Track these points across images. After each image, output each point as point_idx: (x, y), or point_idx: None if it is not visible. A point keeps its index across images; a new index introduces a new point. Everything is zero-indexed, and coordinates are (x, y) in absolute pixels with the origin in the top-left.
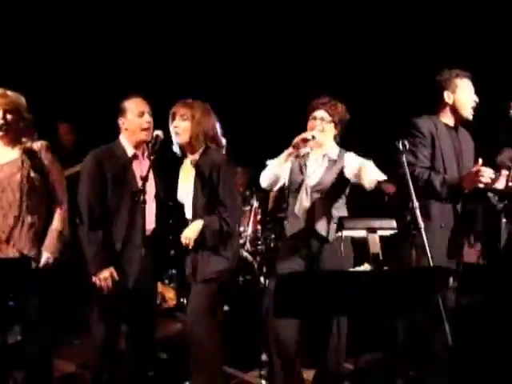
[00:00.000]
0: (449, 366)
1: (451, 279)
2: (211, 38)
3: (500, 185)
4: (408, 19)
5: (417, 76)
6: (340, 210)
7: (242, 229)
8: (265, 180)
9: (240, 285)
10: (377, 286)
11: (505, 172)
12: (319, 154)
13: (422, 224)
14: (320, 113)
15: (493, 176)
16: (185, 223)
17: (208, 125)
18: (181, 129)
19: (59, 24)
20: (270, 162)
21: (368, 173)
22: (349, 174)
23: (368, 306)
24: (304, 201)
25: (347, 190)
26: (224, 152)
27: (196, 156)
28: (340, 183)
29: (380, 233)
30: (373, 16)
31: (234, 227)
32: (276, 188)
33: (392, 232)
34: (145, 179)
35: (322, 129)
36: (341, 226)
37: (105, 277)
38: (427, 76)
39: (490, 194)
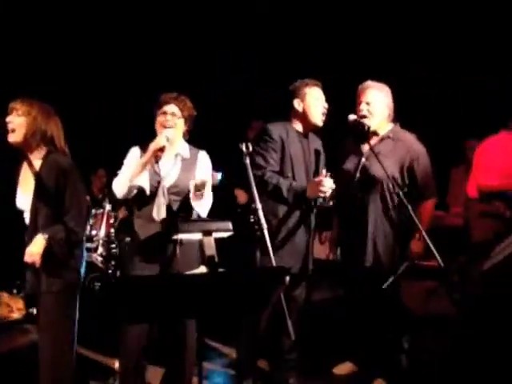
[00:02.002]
0: (297, 360)
1: (287, 278)
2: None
3: None
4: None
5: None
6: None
7: (94, 232)
8: (122, 191)
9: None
10: (213, 288)
11: None
12: (171, 153)
13: (265, 225)
14: (171, 107)
15: (333, 187)
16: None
17: (46, 125)
18: (15, 124)
19: None
20: (123, 172)
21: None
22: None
23: (206, 309)
24: (162, 204)
25: None
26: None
27: (37, 159)
28: None
29: (216, 235)
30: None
31: (81, 236)
32: (132, 195)
33: (228, 234)
34: None
35: (174, 124)
36: (176, 228)
37: None
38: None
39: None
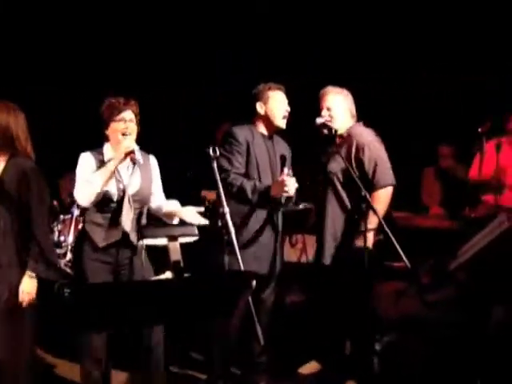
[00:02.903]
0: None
1: (254, 282)
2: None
3: None
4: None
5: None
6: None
7: (62, 238)
8: (90, 199)
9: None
10: (178, 293)
11: None
12: (128, 160)
13: (232, 229)
14: (129, 114)
15: (296, 185)
16: None
17: (7, 124)
18: None
19: None
20: (89, 180)
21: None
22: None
23: (174, 314)
24: (129, 211)
25: None
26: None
27: (1, 162)
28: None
29: (181, 240)
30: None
31: (47, 246)
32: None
33: (194, 239)
34: None
35: (133, 131)
36: (141, 234)
37: None
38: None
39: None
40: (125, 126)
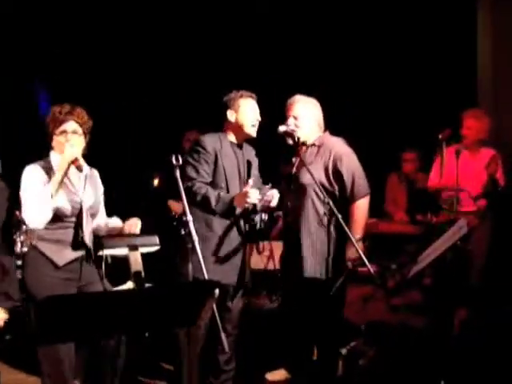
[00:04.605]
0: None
1: (217, 291)
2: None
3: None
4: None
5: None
6: None
7: (25, 250)
8: (46, 218)
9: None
10: (140, 304)
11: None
12: (77, 172)
13: (196, 238)
14: (71, 125)
15: (259, 197)
16: None
17: None
18: None
19: None
20: (39, 198)
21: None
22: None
23: (136, 325)
24: (88, 225)
25: None
26: None
27: None
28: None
29: (142, 250)
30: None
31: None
32: None
33: (155, 248)
34: None
35: (76, 144)
36: (101, 245)
37: None
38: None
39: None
40: (66, 140)
